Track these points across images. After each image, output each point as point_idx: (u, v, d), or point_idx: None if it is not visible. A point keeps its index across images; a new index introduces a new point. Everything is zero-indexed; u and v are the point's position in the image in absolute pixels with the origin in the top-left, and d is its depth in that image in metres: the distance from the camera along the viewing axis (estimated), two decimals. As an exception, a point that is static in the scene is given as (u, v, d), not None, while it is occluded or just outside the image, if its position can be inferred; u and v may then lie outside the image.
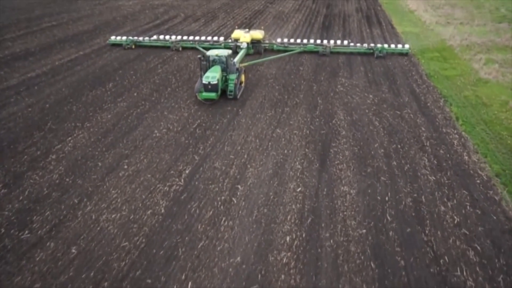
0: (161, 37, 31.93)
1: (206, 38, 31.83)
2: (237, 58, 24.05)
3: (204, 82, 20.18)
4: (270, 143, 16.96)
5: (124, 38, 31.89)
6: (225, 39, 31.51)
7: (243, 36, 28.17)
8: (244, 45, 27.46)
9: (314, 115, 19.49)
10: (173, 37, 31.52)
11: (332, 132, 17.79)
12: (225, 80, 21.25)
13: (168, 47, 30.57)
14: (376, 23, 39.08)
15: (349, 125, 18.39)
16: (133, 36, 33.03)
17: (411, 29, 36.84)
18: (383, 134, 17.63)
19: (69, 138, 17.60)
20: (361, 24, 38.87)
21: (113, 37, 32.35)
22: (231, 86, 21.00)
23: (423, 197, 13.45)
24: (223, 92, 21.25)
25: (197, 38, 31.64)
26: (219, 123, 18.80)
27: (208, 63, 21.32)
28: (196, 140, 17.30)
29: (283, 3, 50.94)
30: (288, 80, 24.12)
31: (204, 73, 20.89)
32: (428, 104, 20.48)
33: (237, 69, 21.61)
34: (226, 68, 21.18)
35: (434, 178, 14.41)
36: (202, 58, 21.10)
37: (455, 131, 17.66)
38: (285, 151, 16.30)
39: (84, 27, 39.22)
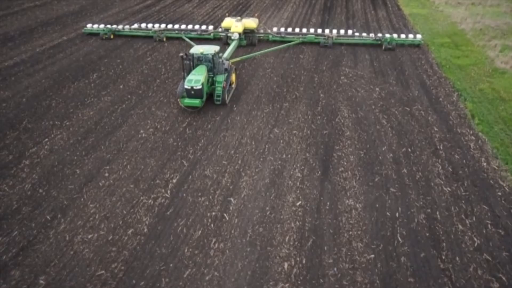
0: (143, 25, 28.59)
1: (193, 27, 28.22)
2: (227, 53, 21.34)
3: (186, 86, 17.03)
4: (267, 146, 15.37)
5: (102, 26, 28.49)
6: (215, 28, 28.06)
7: (234, 25, 24.73)
8: (236, 36, 24.21)
9: (316, 112, 17.80)
10: (156, 25, 28.17)
11: (335, 133, 16.17)
12: (211, 82, 18.33)
13: (150, 37, 27.31)
14: (381, 4, 36.64)
15: (354, 124, 16.75)
16: (117, 23, 30.51)
17: (419, 10, 34.50)
18: (391, 135, 16.02)
19: (46, 140, 15.96)
20: (365, 5, 36.43)
21: (89, 25, 28.94)
22: (218, 90, 18.05)
23: (437, 212, 12.01)
24: (210, 95, 18.35)
25: (183, 26, 28.27)
26: (211, 122, 17.13)
27: (192, 62, 18.27)
28: (186, 142, 15.69)
29: (283, -19, 47.96)
30: (287, 70, 22.25)
31: (187, 74, 17.89)
32: (440, 99, 18.75)
33: (226, 69, 18.41)
34: (212, 68, 18.18)
35: (449, 189, 12.93)
36: (185, 57, 18.14)
37: (471, 132, 16.04)
38: (284, 156, 14.73)
39: (69, 7, 36.74)
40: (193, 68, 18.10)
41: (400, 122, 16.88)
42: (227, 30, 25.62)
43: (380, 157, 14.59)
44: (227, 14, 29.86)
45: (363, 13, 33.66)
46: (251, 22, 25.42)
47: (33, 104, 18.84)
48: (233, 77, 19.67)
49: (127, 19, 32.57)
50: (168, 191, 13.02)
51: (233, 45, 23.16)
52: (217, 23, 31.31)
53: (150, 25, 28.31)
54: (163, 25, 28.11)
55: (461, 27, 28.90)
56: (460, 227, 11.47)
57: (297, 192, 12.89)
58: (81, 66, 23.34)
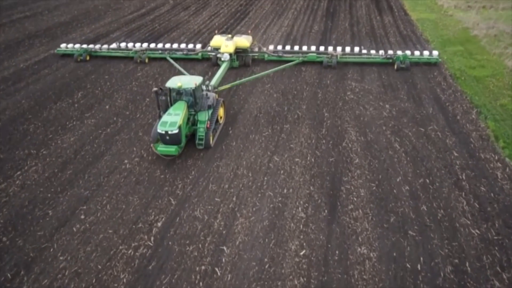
0: (123, 45, 25.46)
1: (179, 46, 25.14)
2: (215, 79, 18.55)
3: (159, 131, 13.93)
4: (265, 178, 13.59)
5: (77, 46, 25.42)
6: (203, 46, 25.00)
7: (224, 44, 21.75)
8: (226, 57, 21.33)
9: (320, 135, 16.02)
10: (138, 45, 25.07)
11: (343, 160, 14.38)
12: (192, 121, 15.29)
13: (131, 58, 24.18)
14: (386, 9, 34.85)
15: (363, 149, 14.96)
16: (108, 34, 28.89)
17: (427, 15, 32.65)
18: (405, 161, 14.21)
19: (18, 173, 14.25)
20: (370, 10, 34.64)
21: (63, 45, 25.71)
22: (200, 132, 15.02)
23: (467, 264, 10.18)
24: (192, 135, 15.40)
25: (167, 45, 24.95)
26: (204, 149, 15.39)
27: (170, 98, 15.17)
28: (175, 174, 13.95)
29: (282, -15, 46.26)
30: (288, 85, 20.50)
31: (164, 112, 14.89)
32: (458, 117, 16.92)
33: (210, 105, 15.41)
34: (194, 103, 15.15)
35: (478, 231, 11.10)
36: (160, 92, 15.06)
37: (496, 157, 14.19)
38: (285, 190, 12.96)
39: (60, 18, 35.24)
40: (171, 105, 15.13)
41: (415, 146, 15.07)
42: (216, 49, 22.73)
43: (394, 191, 12.78)
44: (216, 32, 25.91)
45: (368, 19, 31.88)
46: (243, 41, 22.59)
47: (9, 130, 17.18)
48: (221, 111, 16.70)
49: (119, 29, 31.00)
50: (152, 238, 11.27)
51: (223, 68, 20.46)
52: (213, 32, 29.69)
53: (130, 45, 25.36)
54: (145, 45, 25.13)
55: (474, 33, 27.05)
56: (497, 283, 9.64)
57: (300, 238, 11.11)
58: (66, 83, 21.71)
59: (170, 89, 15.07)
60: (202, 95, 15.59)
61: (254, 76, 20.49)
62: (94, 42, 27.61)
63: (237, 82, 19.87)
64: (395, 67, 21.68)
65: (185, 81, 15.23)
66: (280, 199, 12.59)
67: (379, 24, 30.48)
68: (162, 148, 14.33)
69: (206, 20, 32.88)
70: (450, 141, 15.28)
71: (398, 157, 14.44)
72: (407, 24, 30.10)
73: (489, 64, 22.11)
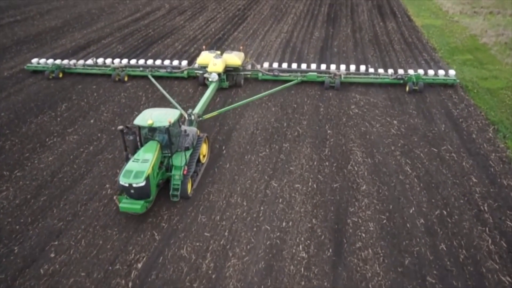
0: (100, 60, 22.66)
1: (162, 62, 22.14)
2: (199, 106, 15.98)
3: (122, 183, 11.13)
4: (262, 208, 12.11)
5: (50, 61, 22.60)
6: (189, 63, 22.18)
7: (212, 63, 19.12)
8: (214, 77, 18.58)
9: (323, 156, 14.56)
10: (116, 61, 22.48)
11: (349, 187, 12.91)
12: (166, 165, 12.48)
13: (109, 75, 21.59)
14: (389, 14, 33.47)
15: (371, 173, 13.48)
16: (99, 39, 27.33)
17: (432, 21, 31.27)
18: (418, 188, 12.74)
19: (-14, 200, 12.85)
20: (372, 15, 33.26)
21: (34, 60, 22.95)
22: (175, 181, 12.21)
23: (497, 320, 8.76)
24: (167, 181, 12.60)
25: (150, 62, 22.15)
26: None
27: (140, 137, 12.33)
28: (160, 202, 12.41)
29: (282, -11, 44.93)
30: (287, 97, 19.04)
31: (133, 154, 12.02)
32: (474, 136, 15.48)
33: (188, 147, 12.61)
34: (169, 143, 12.29)
35: (509, 279, 9.63)
36: (126, 130, 12.14)
37: (520, 184, 12.79)
38: (284, 223, 11.47)
39: (51, 22, 33.80)
40: (141, 145, 12.31)
41: (428, 169, 13.60)
42: (203, 67, 20.06)
43: (408, 224, 11.30)
44: (204, 47, 22.81)
45: (370, 24, 30.49)
46: (234, 58, 19.82)
47: (-18, 148, 15.77)
48: (204, 148, 13.80)
49: (112, 34, 29.59)
50: (130, 284, 9.77)
51: (210, 90, 17.70)
52: (209, 38, 28.33)
53: (108, 60, 22.50)
54: (124, 61, 22.64)
55: (483, 41, 25.65)
56: None
57: (301, 285, 9.63)
58: (50, 94, 20.25)
59: (139, 128, 12.22)
60: (180, 133, 12.71)
61: (245, 100, 17.71)
62: (84, 49, 26.29)
63: (225, 108, 17.11)
64: (407, 89, 19.16)
65: (158, 117, 12.16)
66: (278, 234, 11.10)
67: (382, 30, 29.09)
68: (124, 205, 11.38)
69: (202, 25, 31.47)
70: (467, 164, 13.82)
71: (410, 183, 12.98)
72: (412, 31, 28.69)
73: (502, 75, 20.68)
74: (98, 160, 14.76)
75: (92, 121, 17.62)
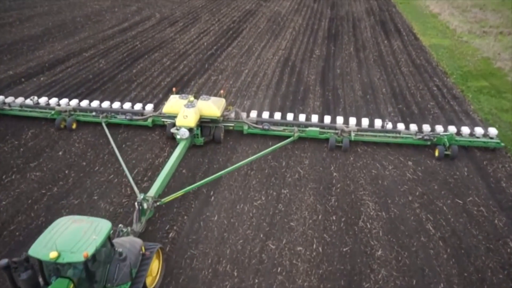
0: (42, 100, 17.51)
1: (121, 106, 17.22)
2: (158, 182, 11.66)
3: None
4: (257, 281, 9.79)
5: None
6: (156, 108, 17.35)
7: (182, 115, 14.50)
8: (184, 133, 14.09)
9: (329, 207, 12.34)
10: (64, 101, 17.34)
11: (361, 251, 10.68)
12: None
13: (52, 120, 16.60)
14: (394, 31, 31.69)
15: (387, 233, 11.29)
16: (81, 52, 24.63)
17: (439, 40, 29.54)
18: (445, 255, 10.56)
19: None
20: (375, 32, 31.46)
21: None
22: None
23: None
24: None
25: (105, 104, 17.19)
26: (177, 224, 11.54)
27: (43, 273, 7.89)
28: (130, 270, 10.12)
29: (280, 1, 43.07)
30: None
31: None
32: (503, 184, 13.39)
33: (128, 274, 8.23)
34: (89, 281, 7.79)
35: None
36: (16, 267, 7.47)
37: None
38: (283, 306, 9.24)
39: (31, 30, 31.30)
40: (46, 284, 7.85)
41: (454, 229, 11.45)
42: (171, 117, 15.46)
43: (437, 310, 9.15)
44: (174, 90, 17.69)
45: (374, 43, 28.62)
46: (211, 107, 15.07)
47: None
48: (154, 267, 9.32)
49: (95, 46, 27.23)
50: None
51: (176, 153, 13.30)
52: (201, 54, 26.12)
53: (53, 101, 17.47)
54: (74, 102, 17.42)
55: (497, 65, 23.89)
56: None
57: None
58: (16, 116, 17.81)
59: (42, 263, 7.73)
60: (111, 258, 8.27)
61: (223, 171, 13.09)
62: (62, 63, 23.83)
63: (193, 186, 12.33)
64: (437, 153, 14.66)
65: (70, 241, 7.54)
66: (276, 322, 8.85)
67: (387, 49, 27.22)
68: None
69: (194, 38, 29.27)
70: (499, 222, 11.71)
71: (434, 248, 10.80)
72: (419, 51, 26.85)
73: (524, 107, 18.87)
74: (60, 207, 12.24)
75: (60, 153, 15.07)
